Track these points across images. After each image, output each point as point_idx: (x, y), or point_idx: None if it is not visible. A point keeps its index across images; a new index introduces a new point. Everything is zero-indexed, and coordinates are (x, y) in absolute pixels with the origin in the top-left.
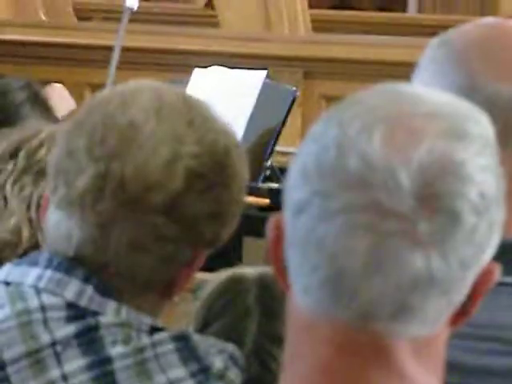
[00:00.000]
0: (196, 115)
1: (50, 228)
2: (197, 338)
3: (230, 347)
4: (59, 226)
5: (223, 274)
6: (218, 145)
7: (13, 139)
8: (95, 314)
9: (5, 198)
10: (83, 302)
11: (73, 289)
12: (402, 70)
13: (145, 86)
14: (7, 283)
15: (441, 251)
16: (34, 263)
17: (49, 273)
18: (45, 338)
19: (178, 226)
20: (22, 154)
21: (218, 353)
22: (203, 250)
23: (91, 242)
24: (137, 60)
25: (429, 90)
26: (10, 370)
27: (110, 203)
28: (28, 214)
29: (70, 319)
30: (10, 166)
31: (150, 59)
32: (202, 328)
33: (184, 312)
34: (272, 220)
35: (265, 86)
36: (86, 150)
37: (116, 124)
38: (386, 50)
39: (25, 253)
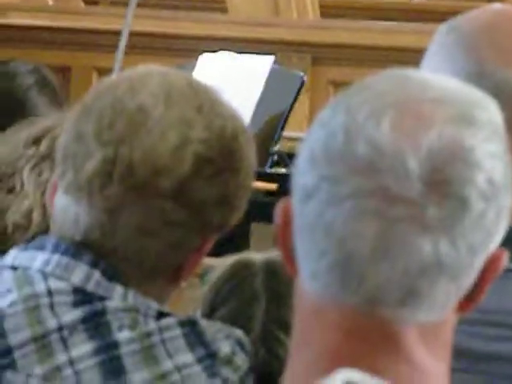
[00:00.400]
0: (204, 100)
1: (57, 212)
2: (204, 323)
3: (237, 332)
4: (67, 210)
5: (230, 259)
6: (226, 130)
7: (39, 126)
8: (102, 298)
9: (22, 182)
10: (90, 287)
11: (80, 273)
12: (411, 56)
13: (153, 70)
14: (14, 268)
15: (449, 237)
16: (41, 248)
17: (56, 257)
18: (51, 323)
19: (186, 210)
20: (45, 141)
21: (224, 338)
22: (211, 235)
23: (99, 226)
24: (144, 45)
25: (437, 75)
26: (16, 354)
27: (118, 188)
28: (42, 200)
29: (76, 304)
30: (31, 151)
31: (157, 44)
32: (210, 313)
33: (191, 297)
34: (280, 205)
35: (272, 72)
36: (94, 134)
37: (125, 108)
38: (395, 35)
39: (34, 237)
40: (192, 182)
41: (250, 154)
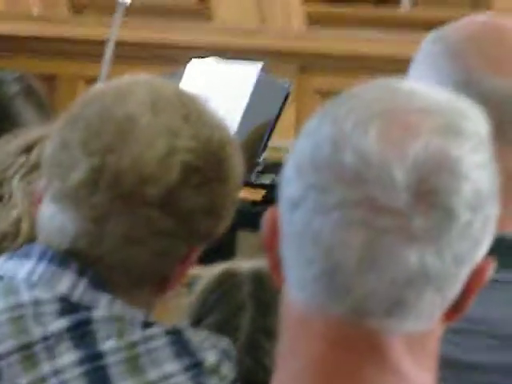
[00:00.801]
0: (191, 110)
1: (43, 221)
2: (190, 332)
3: (224, 341)
4: (53, 218)
5: (217, 268)
6: (213, 139)
7: (29, 135)
8: (88, 307)
9: (11, 191)
10: (76, 296)
11: (66, 282)
12: (398, 65)
13: (140, 79)
14: (0, 277)
15: (435, 247)
16: (28, 256)
17: (42, 266)
18: (37, 332)
19: (173, 219)
20: (35, 150)
21: (211, 347)
22: (198, 244)
23: (85, 235)
24: (131, 54)
25: (425, 85)
26: (1, 364)
27: (105, 196)
28: (31, 209)
29: (62, 313)
30: (21, 160)
31: (144, 53)
32: (196, 322)
33: (178, 306)
34: (267, 214)
35: (259, 80)
36: (81, 143)
37: (112, 117)
38: (382, 45)
39: (22, 246)
40: (179, 191)
41: (237, 164)
